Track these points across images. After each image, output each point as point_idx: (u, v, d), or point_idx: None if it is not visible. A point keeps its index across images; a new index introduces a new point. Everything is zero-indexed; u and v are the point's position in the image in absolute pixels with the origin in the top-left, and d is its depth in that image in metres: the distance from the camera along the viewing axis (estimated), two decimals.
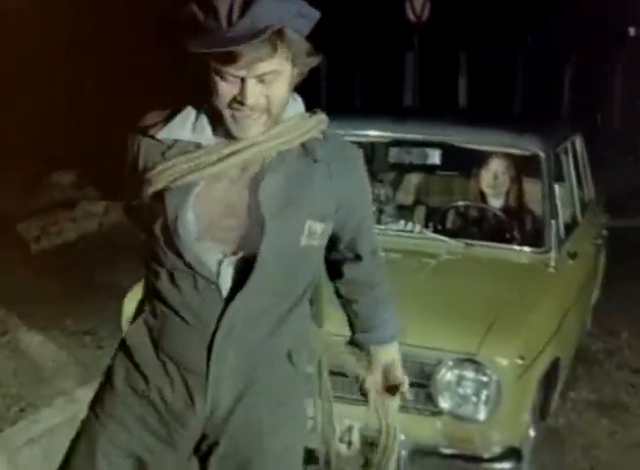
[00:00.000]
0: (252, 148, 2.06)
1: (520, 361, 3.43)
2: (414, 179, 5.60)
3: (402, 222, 4.56)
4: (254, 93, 1.98)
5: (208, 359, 2.09)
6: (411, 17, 13.58)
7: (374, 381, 2.55)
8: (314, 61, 2.09)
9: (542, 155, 4.47)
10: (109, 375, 2.25)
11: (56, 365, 4.68)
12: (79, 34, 10.66)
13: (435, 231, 4.55)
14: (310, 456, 3.41)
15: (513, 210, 4.75)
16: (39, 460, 3.82)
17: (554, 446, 4.42)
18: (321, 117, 2.20)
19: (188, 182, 2.05)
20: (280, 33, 1.94)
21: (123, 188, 2.22)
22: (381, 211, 4.84)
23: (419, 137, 4.95)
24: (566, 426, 4.69)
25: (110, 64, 11.19)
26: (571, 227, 4.74)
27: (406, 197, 5.51)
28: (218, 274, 2.07)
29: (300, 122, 2.14)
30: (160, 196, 2.07)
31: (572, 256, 4.48)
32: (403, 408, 3.46)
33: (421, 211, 5.13)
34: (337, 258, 2.40)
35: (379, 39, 15.46)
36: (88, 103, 10.64)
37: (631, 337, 5.97)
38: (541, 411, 3.97)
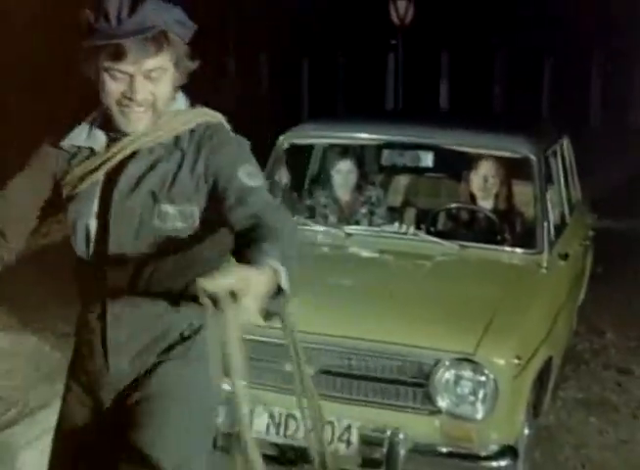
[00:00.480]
0: (134, 143, 2.25)
1: (516, 361, 3.50)
2: (405, 181, 5.66)
3: (396, 224, 4.61)
4: (142, 89, 2.16)
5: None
6: (394, 19, 13.66)
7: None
8: (194, 65, 2.28)
9: (533, 158, 4.54)
10: None
11: (50, 367, 4.68)
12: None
13: (428, 233, 4.59)
14: (303, 455, 3.47)
15: (503, 211, 4.81)
16: (38, 462, 3.83)
17: (545, 445, 4.49)
18: (201, 111, 2.34)
19: (86, 188, 2.27)
20: (165, 34, 2.15)
21: None
22: (372, 213, 4.90)
23: (410, 140, 5.01)
24: (556, 424, 4.75)
25: None
26: (560, 228, 4.81)
27: (396, 199, 5.57)
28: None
29: (175, 117, 2.29)
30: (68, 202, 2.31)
31: (563, 256, 4.55)
32: (402, 407, 3.55)
33: (411, 213, 5.19)
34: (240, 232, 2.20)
35: (362, 40, 15.53)
36: (63, 111, 10.61)
37: (616, 336, 6.05)
38: (534, 410, 4.04)
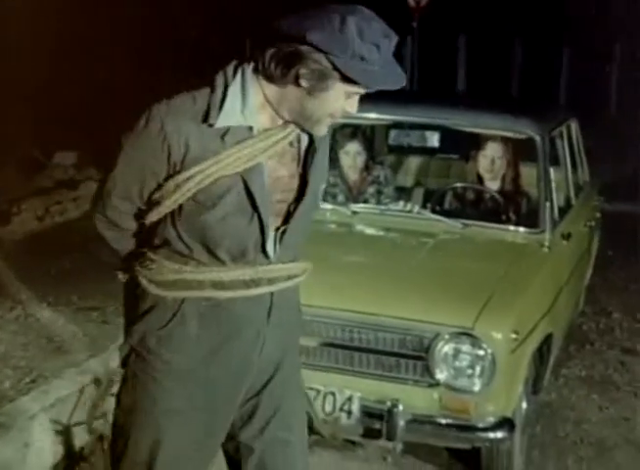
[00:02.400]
0: (296, 129, 2.31)
1: (514, 336, 3.57)
2: (413, 161, 5.74)
3: (401, 203, 4.69)
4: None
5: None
6: (411, 1, 13.66)
7: None
8: None
9: (538, 138, 4.60)
10: None
11: (64, 339, 4.81)
12: (81, 18, 10.73)
13: (433, 212, 4.67)
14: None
15: (509, 191, 4.88)
16: (50, 428, 3.96)
17: (546, 420, 4.58)
18: None
19: (254, 165, 2.26)
20: None
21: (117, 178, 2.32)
22: (380, 193, 4.98)
23: (418, 120, 5.09)
24: (557, 401, 4.84)
25: (109, 46, 11.28)
26: (565, 209, 4.88)
27: (405, 179, 5.66)
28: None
29: None
30: (223, 183, 2.23)
31: (566, 236, 4.62)
32: (402, 379, 3.64)
33: (419, 193, 5.27)
34: None
35: None
36: (89, 84, 10.73)
37: (623, 317, 6.12)
38: (534, 385, 4.13)
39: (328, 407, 3.66)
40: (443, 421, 3.61)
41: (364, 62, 2.10)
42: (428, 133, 5.37)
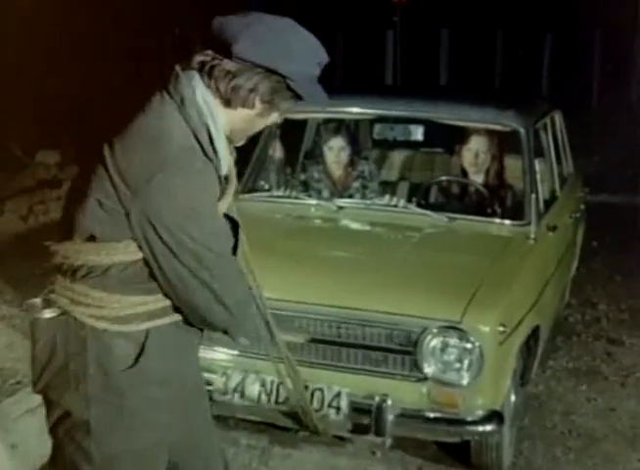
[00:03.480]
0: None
1: (501, 329, 3.57)
2: (397, 156, 5.72)
3: (387, 197, 4.68)
4: None
5: None
6: None
7: None
8: None
9: (522, 130, 4.61)
10: None
11: None
12: (66, 16, 10.67)
13: (419, 206, 4.66)
14: (295, 421, 3.57)
15: (494, 184, 4.88)
16: (36, 430, 3.93)
17: (534, 412, 4.59)
18: None
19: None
20: None
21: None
22: (365, 187, 4.96)
23: (402, 114, 5.07)
24: (545, 393, 4.85)
25: (95, 45, 11.24)
26: (550, 201, 4.88)
27: (390, 173, 5.64)
28: None
29: None
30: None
31: (552, 228, 4.62)
32: (390, 374, 3.64)
33: (404, 187, 5.26)
34: None
35: (360, 17, 15.53)
36: (71, 82, 10.68)
37: (609, 308, 6.15)
38: (522, 378, 4.13)
39: (316, 404, 3.65)
40: (432, 415, 3.61)
41: (312, 81, 2.20)
42: (412, 127, 5.36)
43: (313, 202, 4.69)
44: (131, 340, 2.17)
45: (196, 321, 2.24)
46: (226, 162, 2.20)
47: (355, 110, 4.98)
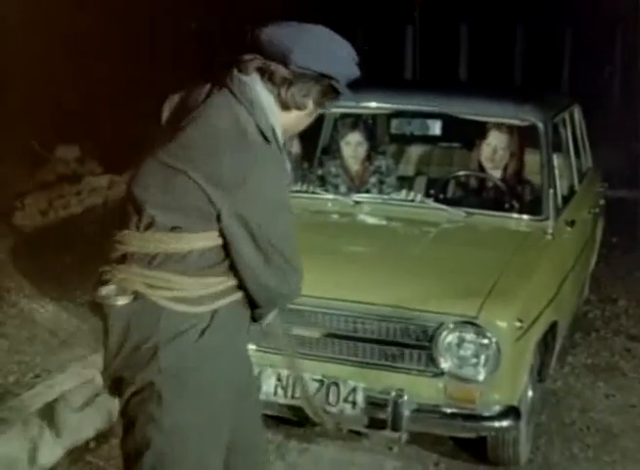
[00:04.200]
0: None
1: (518, 324, 3.55)
2: (415, 150, 5.71)
3: (404, 192, 4.67)
4: None
5: None
6: None
7: None
8: None
9: (540, 125, 4.58)
10: None
11: (68, 333, 4.81)
12: (81, 12, 10.71)
13: (436, 201, 4.65)
14: (305, 417, 3.56)
15: (512, 179, 4.85)
16: (54, 424, 3.96)
17: (552, 408, 4.57)
18: None
19: None
20: None
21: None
22: (382, 182, 4.95)
23: (419, 108, 5.07)
24: (563, 389, 4.83)
25: (110, 40, 11.27)
26: (568, 196, 4.86)
27: (407, 168, 5.63)
28: None
29: None
30: None
31: (570, 223, 4.60)
32: (406, 369, 3.63)
33: (422, 182, 5.25)
34: None
35: (380, 13, 15.48)
36: (91, 77, 10.71)
37: (628, 304, 6.10)
38: (539, 374, 4.11)
39: (332, 398, 3.65)
40: (448, 411, 3.60)
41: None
42: (429, 122, 5.35)
43: (330, 196, 4.69)
44: (201, 317, 2.33)
45: (261, 298, 2.42)
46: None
47: (373, 104, 4.96)
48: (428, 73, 14.00)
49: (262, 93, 2.34)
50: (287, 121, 2.40)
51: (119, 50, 11.22)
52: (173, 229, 2.29)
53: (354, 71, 2.41)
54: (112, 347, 2.38)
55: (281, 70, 2.32)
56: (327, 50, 2.34)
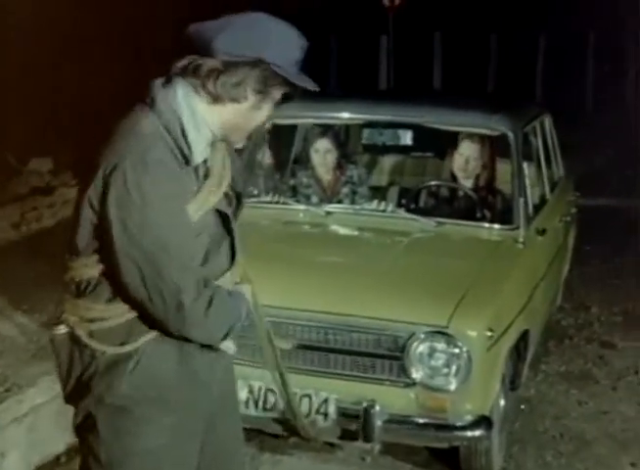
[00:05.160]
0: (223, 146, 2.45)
1: (489, 333, 3.56)
2: (387, 161, 5.73)
3: (375, 202, 4.67)
4: None
5: None
6: (385, 1, 13.66)
7: None
8: None
9: (510, 134, 4.59)
10: None
11: (39, 347, 4.76)
12: (57, 19, 10.65)
13: (409, 210, 4.66)
14: (284, 427, 3.54)
15: (483, 188, 4.87)
16: (24, 438, 3.92)
17: (526, 416, 4.57)
18: None
19: (218, 201, 2.37)
20: None
21: None
22: (354, 193, 4.96)
23: (390, 118, 5.07)
24: (537, 397, 4.85)
25: (86, 50, 11.23)
26: (539, 205, 4.88)
27: (380, 178, 5.64)
28: None
29: None
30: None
31: (541, 232, 4.62)
32: (378, 380, 3.63)
33: (394, 192, 5.26)
34: None
35: (353, 22, 15.53)
36: (65, 89, 10.67)
37: (601, 311, 6.13)
38: (512, 382, 4.12)
39: (304, 410, 3.63)
40: (421, 421, 3.60)
41: (296, 66, 2.21)
42: (400, 132, 5.37)
43: (302, 207, 4.69)
44: (130, 355, 2.22)
45: (169, 329, 2.20)
46: (202, 156, 2.21)
47: (345, 115, 4.97)
48: (402, 83, 14.04)
49: (180, 89, 2.17)
50: (226, 118, 2.21)
51: (100, 59, 11.17)
52: (90, 254, 2.17)
53: (295, 54, 2.20)
54: (61, 374, 2.32)
55: (208, 62, 2.14)
56: (259, 34, 2.15)
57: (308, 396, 3.64)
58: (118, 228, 2.07)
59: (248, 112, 2.22)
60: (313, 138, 5.00)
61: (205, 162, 2.25)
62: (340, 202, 4.87)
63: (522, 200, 4.41)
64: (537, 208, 4.76)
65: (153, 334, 2.22)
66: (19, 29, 9.94)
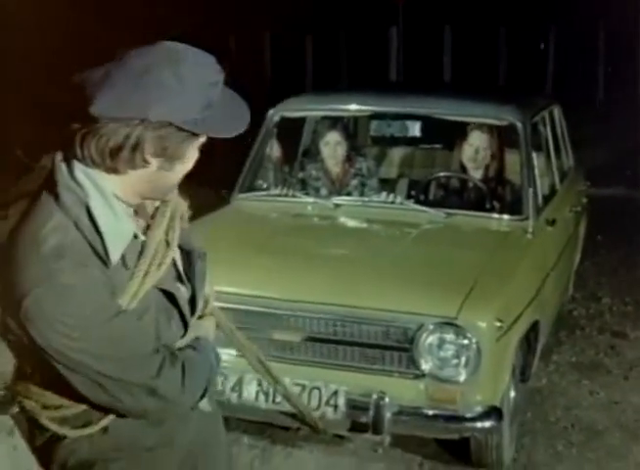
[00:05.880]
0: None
1: (498, 324, 3.54)
2: (397, 153, 5.71)
3: (384, 194, 4.67)
4: None
5: None
6: None
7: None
8: None
9: (519, 125, 4.58)
10: None
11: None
12: (68, 17, 10.68)
13: (418, 202, 4.65)
14: (293, 420, 3.54)
15: (492, 179, 4.86)
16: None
17: (537, 407, 4.57)
18: None
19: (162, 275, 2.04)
20: None
21: None
22: (363, 185, 4.95)
23: (399, 110, 5.06)
24: (548, 387, 4.83)
25: (99, 48, 11.24)
26: (549, 195, 4.86)
27: (389, 170, 5.63)
28: None
29: None
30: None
31: (551, 222, 4.60)
32: (387, 372, 3.62)
33: (403, 184, 5.25)
34: None
35: (363, 15, 15.49)
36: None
37: (613, 301, 6.11)
38: (522, 373, 4.11)
39: (314, 402, 3.63)
40: (430, 412, 3.58)
41: (211, 107, 1.78)
42: (409, 123, 5.35)
43: (310, 200, 4.69)
44: (91, 440, 2.02)
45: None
46: (122, 245, 1.83)
47: (352, 107, 4.97)
48: (412, 75, 14.00)
49: (83, 172, 1.80)
50: (133, 187, 1.83)
51: (105, 56, 11.18)
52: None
53: (201, 98, 1.76)
54: (25, 441, 2.12)
55: (94, 129, 1.74)
56: (146, 84, 1.71)
57: (318, 388, 3.64)
58: (57, 358, 1.79)
59: (158, 174, 1.83)
60: (323, 131, 4.99)
61: (138, 236, 1.90)
62: (349, 194, 4.87)
63: (531, 190, 4.40)
64: (547, 198, 4.74)
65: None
66: (28, 27, 9.96)
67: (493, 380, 3.64)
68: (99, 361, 1.81)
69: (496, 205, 4.63)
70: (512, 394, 3.91)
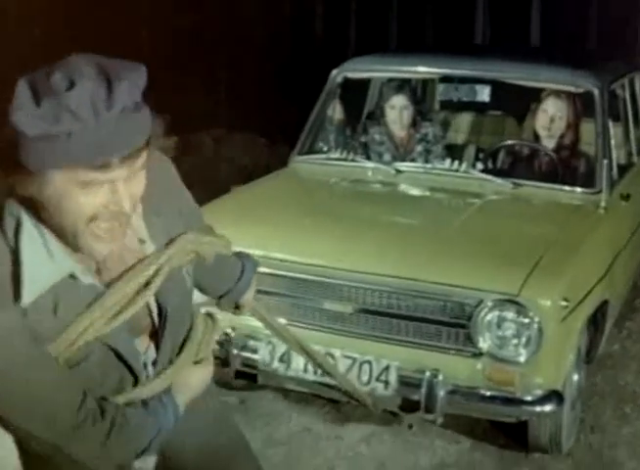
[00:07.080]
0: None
1: (563, 303, 3.33)
2: (466, 119, 5.48)
3: (449, 161, 4.46)
4: (126, 195, 1.57)
5: None
6: None
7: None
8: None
9: (596, 91, 4.32)
10: None
11: None
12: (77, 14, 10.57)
13: (484, 171, 4.44)
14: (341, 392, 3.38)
15: (565, 149, 4.60)
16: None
17: (607, 371, 4.42)
18: None
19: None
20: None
21: None
22: (428, 151, 4.75)
23: (468, 73, 4.83)
24: (620, 352, 4.66)
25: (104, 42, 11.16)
26: (625, 168, 4.60)
27: (457, 136, 5.41)
28: None
29: None
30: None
31: (626, 197, 4.35)
32: (442, 349, 3.44)
33: (470, 151, 5.04)
34: None
35: None
36: None
37: None
38: (587, 355, 3.89)
39: (364, 377, 3.48)
40: (487, 393, 3.38)
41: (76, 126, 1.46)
42: (478, 87, 5.10)
43: (371, 165, 4.50)
44: None
45: None
46: (46, 283, 1.59)
47: (420, 69, 4.76)
48: (499, 38, 13.58)
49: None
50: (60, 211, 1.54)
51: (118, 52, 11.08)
52: None
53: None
54: None
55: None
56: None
57: (369, 362, 3.48)
58: None
59: (68, 196, 1.53)
60: (388, 93, 4.78)
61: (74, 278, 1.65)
62: (412, 160, 4.67)
63: (605, 162, 4.14)
64: (622, 171, 4.48)
65: None
66: (32, 24, 9.91)
67: (555, 362, 3.43)
68: (4, 406, 1.60)
69: (567, 176, 4.38)
70: (575, 377, 3.70)
